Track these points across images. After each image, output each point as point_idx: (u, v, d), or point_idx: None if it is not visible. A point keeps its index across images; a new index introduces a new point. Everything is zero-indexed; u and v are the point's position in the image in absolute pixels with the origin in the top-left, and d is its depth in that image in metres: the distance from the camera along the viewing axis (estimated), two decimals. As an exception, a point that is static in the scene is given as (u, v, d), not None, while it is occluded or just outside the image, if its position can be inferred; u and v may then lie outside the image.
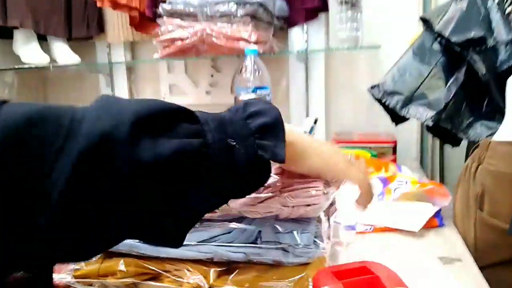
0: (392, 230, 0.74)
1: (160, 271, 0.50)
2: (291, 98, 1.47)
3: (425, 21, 0.94)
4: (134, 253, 0.51)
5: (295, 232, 0.45)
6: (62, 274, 0.53)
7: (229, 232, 0.48)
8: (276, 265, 0.47)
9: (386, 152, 1.22)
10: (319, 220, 0.47)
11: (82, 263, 0.52)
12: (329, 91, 1.45)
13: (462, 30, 0.85)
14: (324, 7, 1.29)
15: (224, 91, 1.58)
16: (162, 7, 1.25)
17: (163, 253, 0.50)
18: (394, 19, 1.33)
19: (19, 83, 1.60)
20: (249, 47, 1.13)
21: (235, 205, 0.46)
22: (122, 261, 0.51)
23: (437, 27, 0.89)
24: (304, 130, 1.05)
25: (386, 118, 1.41)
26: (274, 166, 0.49)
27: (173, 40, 1.24)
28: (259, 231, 0.46)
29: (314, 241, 0.45)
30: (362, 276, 0.36)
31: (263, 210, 0.45)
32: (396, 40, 1.25)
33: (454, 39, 0.85)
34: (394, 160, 1.19)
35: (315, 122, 1.04)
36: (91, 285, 0.52)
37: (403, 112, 0.88)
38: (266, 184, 0.44)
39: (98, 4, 1.35)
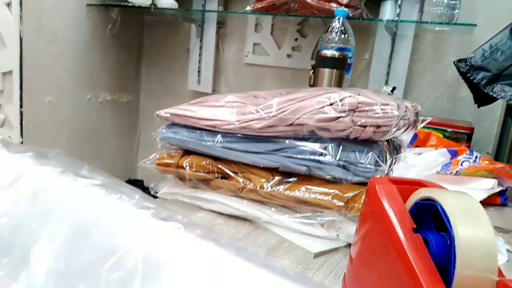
0: (452, 198, 0.74)
1: (230, 172, 0.56)
2: (373, 69, 1.46)
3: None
4: (209, 154, 0.57)
5: (358, 151, 0.48)
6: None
7: (296, 147, 0.52)
8: (333, 181, 0.51)
9: (461, 138, 1.18)
10: (384, 145, 0.50)
11: (165, 154, 0.59)
12: (412, 71, 1.42)
13: None
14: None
15: (305, 57, 1.60)
16: (262, -38, 1.29)
17: (235, 156, 0.56)
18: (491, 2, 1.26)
19: (121, 20, 1.74)
20: (339, 8, 1.15)
21: (309, 121, 0.50)
22: (197, 158, 0.57)
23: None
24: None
25: (465, 107, 1.36)
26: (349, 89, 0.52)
27: (266, -5, 1.29)
28: (325, 148, 0.50)
29: (376, 162, 0.48)
30: (416, 186, 0.39)
31: (337, 128, 0.49)
32: (493, 24, 1.19)
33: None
34: (468, 147, 1.15)
35: (393, 90, 1.04)
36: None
37: (488, 89, 0.86)
38: (342, 102, 0.48)
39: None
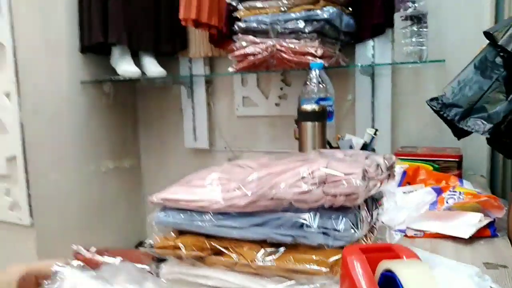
0: (442, 237, 0.77)
1: (222, 248, 0.60)
2: (357, 110, 1.52)
3: (489, 35, 0.95)
4: (201, 232, 0.61)
5: (334, 219, 0.52)
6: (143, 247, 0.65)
7: (279, 218, 0.56)
8: (317, 247, 0.54)
9: (451, 166, 1.21)
10: (358, 209, 0.54)
11: (160, 238, 0.63)
12: (395, 105, 1.47)
13: (526, 45, 0.85)
14: (390, 23, 1.33)
15: (292, 104, 1.67)
16: (238, 25, 1.38)
17: (225, 233, 0.60)
18: (463, 32, 1.33)
19: (114, 92, 1.83)
20: (315, 61, 1.22)
21: (286, 195, 0.54)
22: (191, 238, 0.62)
23: (501, 41, 0.90)
24: (365, 141, 1.10)
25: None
26: (319, 160, 0.56)
27: (246, 55, 1.37)
28: (305, 218, 0.54)
29: (352, 227, 0.52)
30: (384, 252, 0.42)
31: (311, 200, 0.53)
32: (464, 54, 1.26)
33: (517, 53, 0.86)
34: (459, 175, 1.18)
35: (375, 133, 1.09)
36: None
37: (461, 125, 0.90)
38: (312, 175, 0.53)
39: (183, 23, 1.53)
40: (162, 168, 2.00)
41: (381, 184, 0.60)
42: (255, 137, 1.77)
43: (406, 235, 0.78)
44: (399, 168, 1.06)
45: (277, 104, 1.70)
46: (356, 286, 0.39)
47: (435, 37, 1.34)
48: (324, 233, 0.53)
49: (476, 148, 1.36)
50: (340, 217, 0.52)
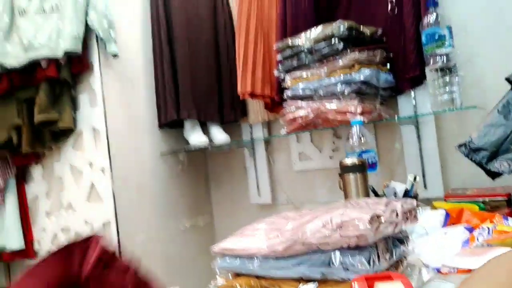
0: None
1: (269, 286, 0.74)
2: (406, 155, 1.60)
3: (510, 81, 1.04)
4: (253, 274, 0.77)
5: (351, 256, 0.65)
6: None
7: (310, 259, 0.70)
8: (342, 281, 0.67)
9: (500, 205, 1.24)
10: (376, 247, 0.66)
11: (222, 280, 0.80)
12: (444, 149, 1.54)
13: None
14: (425, 75, 1.44)
15: (344, 155, 1.79)
16: (286, 93, 1.58)
17: (270, 273, 0.74)
18: (499, 78, 1.39)
19: (188, 160, 2.11)
20: (354, 118, 1.36)
21: (313, 240, 0.69)
22: (245, 279, 0.77)
23: (520, 86, 0.99)
24: (406, 187, 1.20)
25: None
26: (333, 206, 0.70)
27: (295, 118, 1.55)
28: (330, 257, 0.68)
29: (368, 262, 0.64)
30: (383, 279, 0.54)
31: (331, 242, 0.67)
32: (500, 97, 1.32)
33: (534, 97, 0.94)
34: (508, 213, 1.21)
35: (415, 179, 1.19)
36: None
37: (489, 166, 0.98)
38: (331, 222, 0.67)
39: (241, 96, 1.77)
40: (232, 224, 2.19)
41: (396, 226, 0.72)
42: (313, 189, 1.91)
43: (440, 272, 0.85)
44: (441, 210, 1.13)
45: (331, 157, 1.84)
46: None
47: (473, 84, 1.43)
48: (346, 269, 0.66)
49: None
50: (356, 254, 0.65)
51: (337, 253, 0.67)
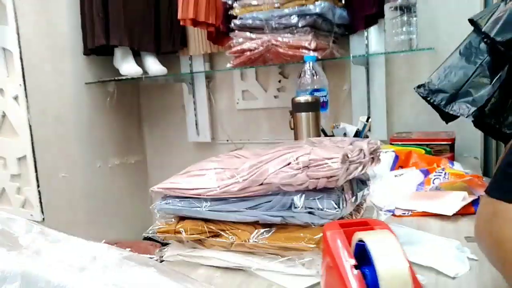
0: (428, 215, 0.82)
1: (219, 231, 0.65)
2: (354, 99, 1.56)
3: (473, 22, 0.99)
4: (199, 217, 0.67)
5: (318, 199, 0.57)
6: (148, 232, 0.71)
7: (270, 201, 0.62)
8: (305, 226, 0.59)
9: (443, 150, 1.26)
10: (342, 190, 0.59)
11: (162, 224, 0.69)
12: (391, 93, 1.51)
13: (508, 31, 0.89)
14: (382, 14, 1.37)
15: (290, 96, 1.70)
16: (234, 22, 1.43)
17: (221, 217, 0.65)
18: (455, 21, 1.36)
19: (118, 92, 1.89)
20: (308, 54, 1.26)
21: (275, 180, 0.59)
22: (191, 223, 0.67)
23: (484, 27, 0.94)
24: (357, 128, 1.15)
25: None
26: (304, 146, 0.61)
27: (243, 51, 1.42)
28: (292, 199, 0.59)
29: (335, 206, 0.57)
30: (360, 226, 0.47)
31: (296, 183, 0.58)
32: (456, 42, 1.29)
33: (499, 39, 0.90)
34: (451, 158, 1.22)
35: (367, 120, 1.14)
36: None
37: (447, 109, 0.94)
38: (296, 161, 0.58)
39: (181, 23, 1.57)
40: (166, 163, 2.06)
41: (363, 167, 0.65)
42: (256, 129, 1.82)
43: (394, 215, 0.83)
44: (391, 152, 1.10)
45: (275, 97, 1.75)
46: (333, 255, 0.44)
47: (427, 26, 1.38)
48: (310, 213, 0.58)
49: (470, 131, 1.38)
50: (324, 198, 0.57)
51: (301, 195, 0.59)
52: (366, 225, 0.48)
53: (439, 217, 0.81)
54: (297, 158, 0.58)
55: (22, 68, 1.57)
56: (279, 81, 1.73)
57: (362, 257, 0.44)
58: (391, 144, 1.28)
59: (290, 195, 0.60)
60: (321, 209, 0.57)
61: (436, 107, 0.98)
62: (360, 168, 0.63)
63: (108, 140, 1.91)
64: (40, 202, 1.63)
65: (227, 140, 1.89)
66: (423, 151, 1.20)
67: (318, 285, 0.58)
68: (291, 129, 1.12)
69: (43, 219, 1.63)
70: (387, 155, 1.09)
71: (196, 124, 1.92)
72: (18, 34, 1.56)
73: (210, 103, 1.90)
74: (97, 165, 1.86)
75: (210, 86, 1.90)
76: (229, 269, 0.65)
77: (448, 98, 0.95)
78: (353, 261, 0.43)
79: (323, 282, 0.50)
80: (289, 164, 0.58)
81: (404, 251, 0.39)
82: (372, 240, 0.41)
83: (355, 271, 0.42)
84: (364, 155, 0.66)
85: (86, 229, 1.72)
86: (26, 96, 1.57)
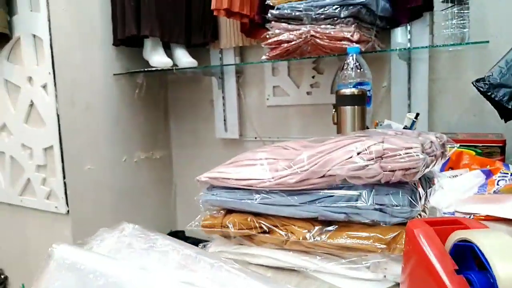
0: (493, 219, 0.74)
1: (271, 226, 0.59)
2: (393, 95, 1.48)
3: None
4: (249, 210, 0.61)
5: (392, 194, 0.50)
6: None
7: (332, 196, 0.55)
8: (371, 224, 0.53)
9: (493, 152, 1.17)
10: (416, 185, 0.52)
11: (208, 215, 0.63)
12: (433, 91, 1.43)
13: None
14: (428, 6, 1.29)
15: (324, 92, 1.65)
16: (271, 12, 1.37)
17: (274, 211, 0.59)
18: (508, 13, 1.27)
19: (146, 84, 1.85)
20: (351, 45, 1.19)
21: (340, 171, 0.53)
22: (239, 216, 0.61)
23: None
24: (405, 125, 1.07)
25: (494, 119, 1.36)
26: (376, 133, 0.55)
27: (280, 43, 1.35)
28: (360, 194, 0.53)
29: (410, 203, 0.50)
30: (453, 225, 0.40)
31: (367, 175, 0.52)
32: (507, 35, 1.21)
33: None
34: (502, 161, 1.14)
35: (416, 117, 1.06)
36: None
37: (510, 105, 0.86)
38: (368, 150, 0.51)
39: (215, 13, 1.52)
40: (192, 159, 2.01)
41: (436, 161, 0.58)
42: (286, 127, 1.76)
43: (455, 218, 0.75)
44: (441, 153, 1.02)
45: (308, 93, 1.68)
46: (427, 258, 0.38)
47: (474, 20, 1.30)
48: (379, 210, 0.52)
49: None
50: (400, 193, 0.50)
51: (371, 189, 0.52)
52: (460, 224, 0.42)
53: (504, 221, 0.73)
54: (368, 147, 0.51)
55: (52, 57, 1.54)
56: (313, 77, 1.67)
57: (461, 260, 0.37)
58: (436, 144, 1.20)
59: (356, 189, 0.53)
60: (396, 206, 0.50)
61: (496, 104, 0.90)
62: (434, 162, 0.56)
63: (135, 134, 1.87)
64: (65, 194, 1.59)
65: (255, 138, 1.83)
66: (474, 153, 1.11)
67: (386, 292, 0.52)
68: (334, 124, 1.05)
69: (68, 211, 1.60)
70: (437, 155, 1.02)
71: (225, 120, 1.87)
72: (49, 21, 1.53)
73: (239, 98, 1.84)
74: (122, 158, 1.82)
75: (240, 81, 1.84)
76: (281, 270, 0.59)
77: (510, 94, 0.87)
78: (453, 265, 0.36)
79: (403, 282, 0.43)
80: (358, 154, 0.51)
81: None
82: (484, 240, 0.34)
83: (457, 277, 0.35)
84: (436, 148, 0.59)
85: (109, 223, 1.68)
86: (55, 85, 1.54)
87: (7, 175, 1.77)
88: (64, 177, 1.59)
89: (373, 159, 0.50)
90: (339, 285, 0.54)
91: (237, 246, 0.63)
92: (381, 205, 0.51)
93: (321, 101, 1.65)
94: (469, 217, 0.76)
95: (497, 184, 0.79)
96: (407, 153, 0.49)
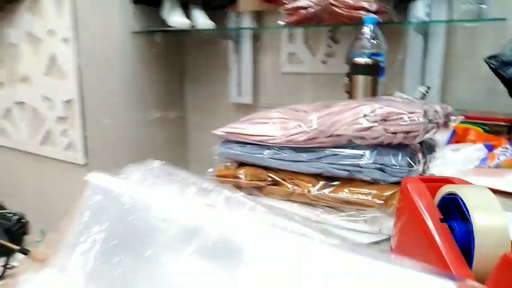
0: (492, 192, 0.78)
1: (279, 179, 0.64)
2: (407, 69, 1.50)
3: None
4: (260, 164, 0.66)
5: (392, 155, 0.55)
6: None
7: (337, 154, 0.60)
8: (372, 182, 0.57)
9: (501, 130, 1.20)
10: (416, 148, 0.56)
11: (223, 167, 0.68)
12: (447, 68, 1.44)
13: None
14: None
15: (339, 62, 1.66)
16: (291, -22, 1.37)
17: (283, 166, 0.64)
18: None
19: (163, 44, 1.88)
20: (368, 15, 1.20)
21: (346, 131, 0.57)
22: (251, 169, 0.66)
23: None
24: (416, 97, 1.10)
25: (507, 99, 1.37)
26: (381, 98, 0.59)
27: (297, 9, 1.36)
28: (363, 154, 0.57)
29: (409, 163, 0.54)
30: (444, 182, 0.45)
31: (371, 136, 0.56)
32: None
33: None
34: (509, 139, 1.17)
35: (427, 91, 1.09)
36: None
37: (520, 83, 0.89)
38: (374, 113, 0.55)
39: (235, -24, 1.53)
40: (206, 121, 2.06)
41: (438, 128, 0.62)
42: (299, 95, 1.79)
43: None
44: (448, 126, 1.06)
45: (323, 62, 1.70)
46: (417, 209, 0.42)
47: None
48: (380, 169, 0.56)
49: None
50: (399, 154, 0.55)
51: (373, 150, 0.56)
52: (450, 182, 0.46)
53: (503, 195, 0.77)
54: (374, 110, 0.55)
55: (74, 11, 1.57)
56: (329, 46, 1.68)
57: (447, 212, 0.42)
58: (445, 119, 1.22)
59: (360, 149, 0.58)
60: (395, 166, 0.55)
61: (507, 82, 0.93)
62: (435, 130, 0.60)
63: (150, 93, 1.92)
64: (85, 146, 1.67)
65: (268, 104, 1.86)
66: (482, 130, 1.14)
67: (379, 243, 0.57)
68: (346, 92, 1.08)
69: (86, 163, 1.67)
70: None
71: (239, 85, 1.90)
72: (71, -25, 1.56)
73: (254, 64, 1.87)
74: (138, 115, 1.88)
75: (256, 47, 1.86)
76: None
77: (522, 72, 0.89)
78: (439, 214, 0.41)
79: (395, 240, 0.48)
80: (364, 116, 0.56)
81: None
82: (468, 193, 0.39)
83: (441, 225, 0.40)
84: (439, 116, 0.62)
85: (124, 177, 1.75)
86: (77, 39, 1.58)
87: (28, 125, 1.84)
88: (84, 130, 1.66)
89: (378, 121, 0.54)
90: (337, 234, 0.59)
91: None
92: (381, 164, 0.56)
93: (335, 70, 1.66)
94: (467, 186, 0.80)
95: (498, 159, 0.83)
96: (409, 117, 0.53)
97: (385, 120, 0.54)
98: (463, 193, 0.39)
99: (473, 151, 0.87)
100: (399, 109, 0.54)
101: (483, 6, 1.16)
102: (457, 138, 1.06)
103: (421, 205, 0.42)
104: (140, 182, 0.40)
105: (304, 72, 1.75)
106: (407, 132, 0.53)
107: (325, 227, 0.58)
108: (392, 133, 0.54)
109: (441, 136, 1.04)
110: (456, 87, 1.46)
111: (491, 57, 0.94)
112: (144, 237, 0.37)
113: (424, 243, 0.40)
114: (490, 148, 0.86)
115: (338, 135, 0.58)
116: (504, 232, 0.35)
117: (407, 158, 0.54)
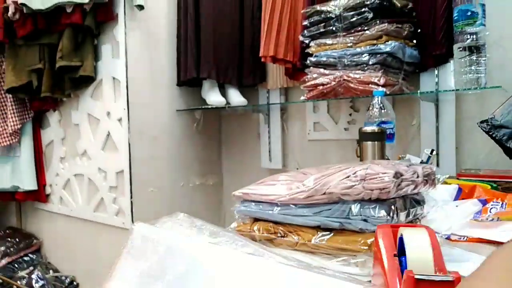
0: (484, 241, 0.86)
1: (287, 232, 0.77)
2: (422, 133, 1.61)
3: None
4: (271, 219, 0.80)
5: (372, 208, 0.67)
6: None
7: (330, 209, 0.73)
8: (360, 232, 0.70)
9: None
10: (394, 202, 0.69)
11: (241, 222, 0.83)
12: (461, 129, 1.54)
13: None
14: (451, 54, 1.43)
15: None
16: (310, 59, 1.58)
17: (289, 220, 0.77)
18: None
19: (203, 119, 2.13)
20: (377, 89, 1.36)
21: (335, 190, 0.71)
22: (263, 224, 0.80)
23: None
24: (421, 160, 1.22)
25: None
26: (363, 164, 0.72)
27: (316, 85, 1.56)
28: (350, 208, 0.70)
29: (388, 214, 0.66)
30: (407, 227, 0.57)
31: (354, 193, 0.69)
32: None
33: None
34: (520, 194, 1.22)
35: (431, 152, 1.20)
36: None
37: (509, 144, 0.99)
38: (355, 174, 0.69)
39: (262, 60, 1.77)
40: (240, 186, 2.21)
41: (416, 187, 0.74)
42: (325, 159, 1.93)
43: (449, 239, 0.88)
44: (454, 185, 1.15)
45: (346, 129, 1.85)
46: (379, 248, 0.55)
47: (498, 66, 1.42)
48: (364, 220, 0.69)
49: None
50: (377, 207, 0.67)
51: (357, 204, 0.69)
52: (411, 227, 0.58)
53: (494, 244, 0.85)
54: (355, 172, 0.69)
55: (127, 95, 1.86)
56: (350, 115, 1.84)
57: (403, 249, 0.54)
58: (457, 179, 1.31)
59: (348, 204, 0.71)
60: (374, 217, 0.67)
61: (498, 142, 1.03)
62: (412, 187, 0.72)
63: (192, 162, 2.14)
64: (132, 212, 1.86)
65: (297, 168, 2.01)
66: (489, 187, 1.22)
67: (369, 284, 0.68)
68: (357, 156, 1.22)
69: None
70: (451, 187, 1.14)
71: (269, 152, 2.08)
72: (126, 66, 1.86)
73: (283, 133, 2.05)
74: (180, 183, 2.08)
75: (284, 117, 2.05)
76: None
77: (510, 134, 1.00)
78: (394, 250, 0.53)
79: (373, 277, 0.59)
80: (348, 177, 0.69)
81: (437, 244, 0.49)
82: (407, 232, 0.51)
83: (394, 258, 0.52)
84: (418, 176, 0.75)
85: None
86: (129, 119, 1.85)
87: (84, 194, 2.09)
88: (131, 197, 1.87)
89: (358, 180, 0.68)
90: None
91: (262, 247, 0.82)
92: (365, 216, 0.68)
93: (357, 136, 1.80)
94: (464, 239, 0.89)
95: (489, 212, 0.91)
96: (380, 177, 0.66)
97: (364, 179, 0.68)
98: (405, 234, 0.51)
99: (470, 205, 0.96)
100: (375, 171, 0.68)
101: (481, 76, 1.29)
102: (463, 195, 1.14)
103: (383, 245, 0.54)
104: (170, 228, 0.56)
105: (329, 139, 1.91)
106: (382, 189, 0.66)
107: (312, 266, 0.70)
108: (370, 190, 0.67)
109: (447, 194, 1.13)
110: (471, 148, 1.54)
111: (482, 122, 1.05)
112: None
113: (381, 273, 0.52)
114: (483, 202, 0.95)
115: (330, 193, 0.71)
116: (428, 262, 0.46)
117: (383, 210, 0.66)
